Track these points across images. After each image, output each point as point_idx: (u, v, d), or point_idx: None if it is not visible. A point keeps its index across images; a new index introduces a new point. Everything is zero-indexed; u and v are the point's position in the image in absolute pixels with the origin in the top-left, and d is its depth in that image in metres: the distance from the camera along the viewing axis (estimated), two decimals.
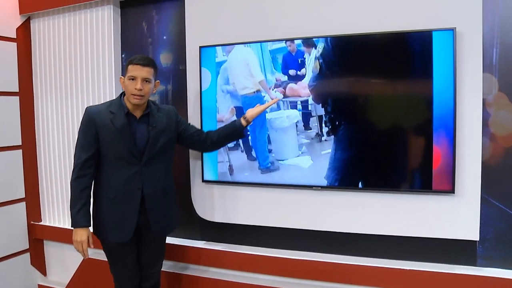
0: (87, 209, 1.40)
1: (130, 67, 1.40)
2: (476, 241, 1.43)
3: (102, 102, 1.99)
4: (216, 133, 1.59)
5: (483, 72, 1.36)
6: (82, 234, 1.39)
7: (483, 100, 1.38)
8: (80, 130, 1.44)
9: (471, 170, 1.39)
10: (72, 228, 1.42)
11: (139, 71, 1.39)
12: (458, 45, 1.37)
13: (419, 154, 1.44)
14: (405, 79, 1.46)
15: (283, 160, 1.68)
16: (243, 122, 1.54)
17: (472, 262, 1.46)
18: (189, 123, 1.62)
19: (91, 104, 2.01)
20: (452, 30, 1.36)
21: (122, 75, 1.47)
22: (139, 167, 1.43)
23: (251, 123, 1.56)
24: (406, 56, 1.45)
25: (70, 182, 1.42)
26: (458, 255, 1.47)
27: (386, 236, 1.53)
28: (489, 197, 1.41)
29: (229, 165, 1.75)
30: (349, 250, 1.61)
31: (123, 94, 1.47)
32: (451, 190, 1.41)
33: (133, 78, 1.39)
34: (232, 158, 1.75)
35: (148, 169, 1.44)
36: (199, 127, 1.76)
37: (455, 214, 1.42)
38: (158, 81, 1.50)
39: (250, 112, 1.55)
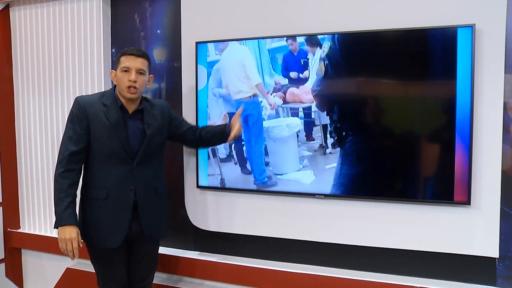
0: (75, 207, 1.32)
1: (122, 58, 1.36)
2: (495, 258, 1.38)
3: None
4: (209, 133, 1.54)
5: (505, 73, 1.32)
6: (71, 231, 1.28)
7: (505, 103, 1.33)
8: (69, 121, 1.36)
9: (489, 180, 1.34)
10: (57, 228, 1.32)
11: (133, 62, 1.34)
12: (478, 43, 1.32)
13: (439, 162, 1.38)
14: (425, 82, 1.39)
15: (281, 175, 1.59)
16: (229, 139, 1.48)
17: (491, 282, 1.40)
18: (182, 119, 1.57)
19: None
20: (471, 27, 1.29)
21: (112, 69, 1.43)
22: (131, 166, 1.37)
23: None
24: (426, 55, 1.37)
25: (55, 176, 1.32)
26: (475, 273, 1.42)
27: (395, 250, 1.48)
28: (510, 210, 1.30)
29: (221, 179, 1.68)
30: (355, 264, 1.56)
31: (115, 86, 1.41)
32: (466, 202, 1.36)
33: (126, 70, 1.35)
34: (224, 171, 1.66)
35: (140, 169, 1.39)
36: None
37: (471, 228, 1.38)
38: (151, 75, 1.45)
39: (234, 134, 1.45)
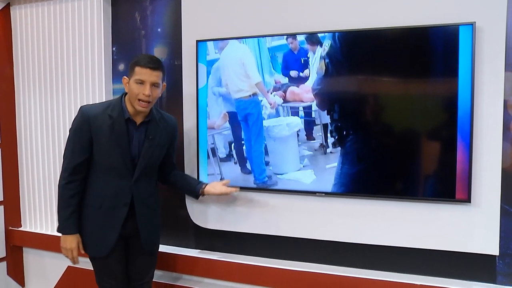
0: (76, 216, 1.36)
1: (137, 69, 1.31)
2: (495, 256, 1.38)
3: (91, 97, 1.84)
4: (178, 177, 1.58)
5: (505, 71, 1.32)
6: (71, 241, 1.35)
7: (505, 101, 1.33)
8: (72, 132, 1.36)
9: (490, 178, 1.35)
10: (60, 235, 1.38)
11: (148, 76, 1.31)
12: (478, 41, 1.32)
13: (441, 161, 1.37)
14: (426, 80, 1.38)
15: (281, 174, 1.58)
16: (200, 191, 1.51)
17: (491, 279, 1.41)
18: (174, 150, 1.57)
19: (78, 100, 1.96)
20: (472, 24, 1.29)
21: (125, 75, 1.39)
22: (130, 181, 1.38)
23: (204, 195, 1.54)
24: (428, 53, 1.37)
25: (59, 187, 1.36)
26: (475, 270, 1.42)
27: (395, 248, 1.49)
28: (510, 207, 1.31)
29: (221, 178, 1.67)
30: (355, 262, 1.56)
31: (124, 94, 1.40)
32: (466, 199, 1.36)
33: (141, 82, 1.31)
34: (224, 170, 1.66)
35: (139, 185, 1.40)
36: (195, 127, 1.70)
37: (471, 226, 1.39)
38: (164, 83, 1.43)
39: (210, 189, 1.50)
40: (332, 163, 1.47)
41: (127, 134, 1.34)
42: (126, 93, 1.38)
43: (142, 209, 1.39)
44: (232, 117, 1.61)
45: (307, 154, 1.51)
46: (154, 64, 1.30)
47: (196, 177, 1.69)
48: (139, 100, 1.30)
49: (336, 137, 1.46)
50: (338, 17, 1.46)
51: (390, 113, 1.42)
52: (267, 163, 1.58)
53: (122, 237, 1.39)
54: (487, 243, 1.35)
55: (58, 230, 1.36)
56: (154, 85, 1.31)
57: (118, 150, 1.33)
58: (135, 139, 1.36)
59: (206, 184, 1.51)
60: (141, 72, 1.29)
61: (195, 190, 1.50)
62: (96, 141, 1.32)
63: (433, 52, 1.35)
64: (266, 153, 1.58)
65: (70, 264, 1.33)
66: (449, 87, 1.32)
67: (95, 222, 1.37)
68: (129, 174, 1.36)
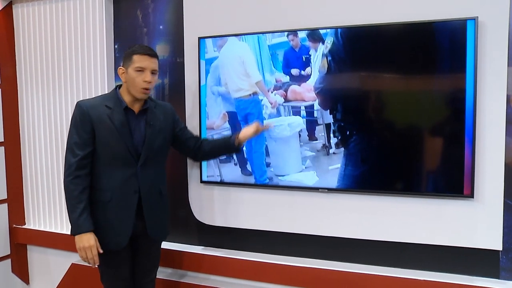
0: (89, 212, 1.33)
1: (136, 57, 1.35)
2: (499, 251, 1.40)
3: (93, 95, 1.88)
4: (210, 143, 1.55)
5: (508, 66, 1.33)
6: (89, 238, 1.31)
7: (508, 96, 1.34)
8: (72, 126, 1.36)
9: (492, 173, 1.36)
10: (73, 235, 1.33)
11: (148, 62, 1.35)
12: (481, 36, 1.33)
13: (449, 157, 1.37)
14: (433, 77, 1.38)
15: (283, 176, 1.56)
16: (236, 141, 1.46)
17: (494, 274, 1.42)
18: (186, 126, 1.57)
19: (80, 98, 1.96)
20: (474, 19, 1.30)
21: (121, 66, 1.41)
22: (135, 168, 1.38)
23: (244, 144, 1.48)
24: (434, 49, 1.36)
25: (66, 184, 1.34)
26: (478, 266, 1.44)
27: (399, 243, 1.50)
28: None
29: (221, 180, 1.67)
30: (359, 258, 1.58)
31: (118, 87, 1.42)
32: (469, 195, 1.37)
33: (141, 70, 1.35)
34: (223, 172, 1.65)
35: (145, 171, 1.40)
36: (198, 124, 1.72)
37: (474, 221, 1.40)
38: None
39: (243, 135, 1.45)
40: (335, 164, 1.45)
41: (127, 122, 1.35)
42: (119, 86, 1.40)
43: (149, 196, 1.38)
44: (232, 117, 1.60)
45: (309, 155, 1.49)
46: (151, 51, 1.36)
47: (199, 172, 1.70)
48: (142, 88, 1.32)
49: (339, 137, 1.44)
50: (340, 13, 1.46)
51: (395, 111, 1.41)
52: (268, 165, 1.56)
53: (130, 237, 1.37)
54: (490, 238, 1.36)
55: (72, 232, 1.31)
56: (153, 72, 1.35)
57: (120, 139, 1.33)
58: (136, 128, 1.37)
59: (238, 133, 1.45)
60: (140, 60, 1.32)
61: (232, 144, 1.44)
62: (98, 131, 1.33)
63: (439, 47, 1.34)
64: (267, 154, 1.56)
65: (74, 260, 1.31)
66: (457, 83, 1.32)
67: (108, 217, 1.35)
68: (134, 162, 1.36)
